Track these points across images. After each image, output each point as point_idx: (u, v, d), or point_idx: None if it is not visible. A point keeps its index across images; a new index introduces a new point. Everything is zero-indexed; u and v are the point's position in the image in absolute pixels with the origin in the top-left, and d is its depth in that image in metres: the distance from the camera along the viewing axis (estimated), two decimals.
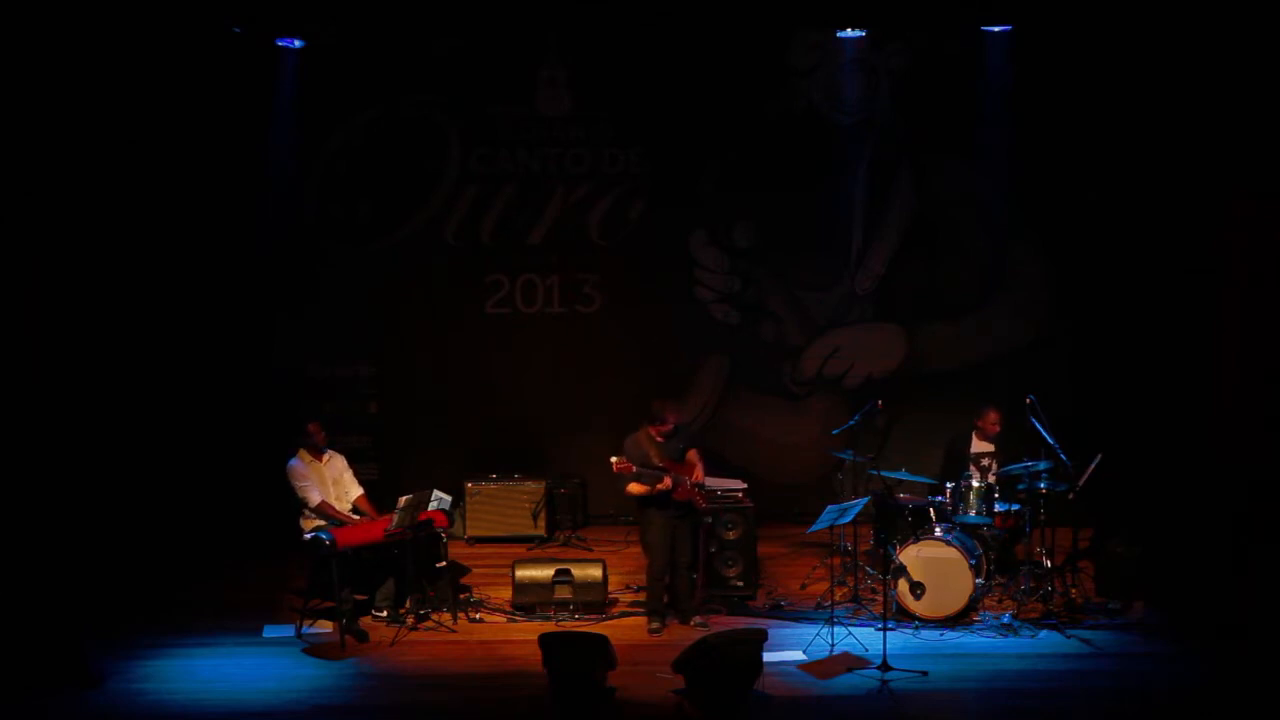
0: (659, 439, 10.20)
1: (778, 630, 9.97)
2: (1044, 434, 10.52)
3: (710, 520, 10.75)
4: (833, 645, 9.90)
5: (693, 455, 10.41)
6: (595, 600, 10.66)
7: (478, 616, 10.66)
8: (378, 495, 11.02)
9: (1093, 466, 10.62)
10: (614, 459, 10.05)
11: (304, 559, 10.38)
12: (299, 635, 10.24)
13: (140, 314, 12.29)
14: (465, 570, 11.29)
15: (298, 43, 12.23)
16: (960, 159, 13.08)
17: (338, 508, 10.57)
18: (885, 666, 9.44)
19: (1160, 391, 12.47)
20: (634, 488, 10.18)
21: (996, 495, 10.76)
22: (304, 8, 12.08)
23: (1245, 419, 11.76)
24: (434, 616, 10.49)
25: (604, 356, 13.26)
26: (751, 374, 13.44)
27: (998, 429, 11.21)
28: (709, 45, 12.56)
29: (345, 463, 10.86)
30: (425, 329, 13.21)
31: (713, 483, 10.76)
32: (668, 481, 10.13)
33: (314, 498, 10.43)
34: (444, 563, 10.69)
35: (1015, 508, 10.82)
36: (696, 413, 13.20)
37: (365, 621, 10.38)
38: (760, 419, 13.45)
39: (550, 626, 10.28)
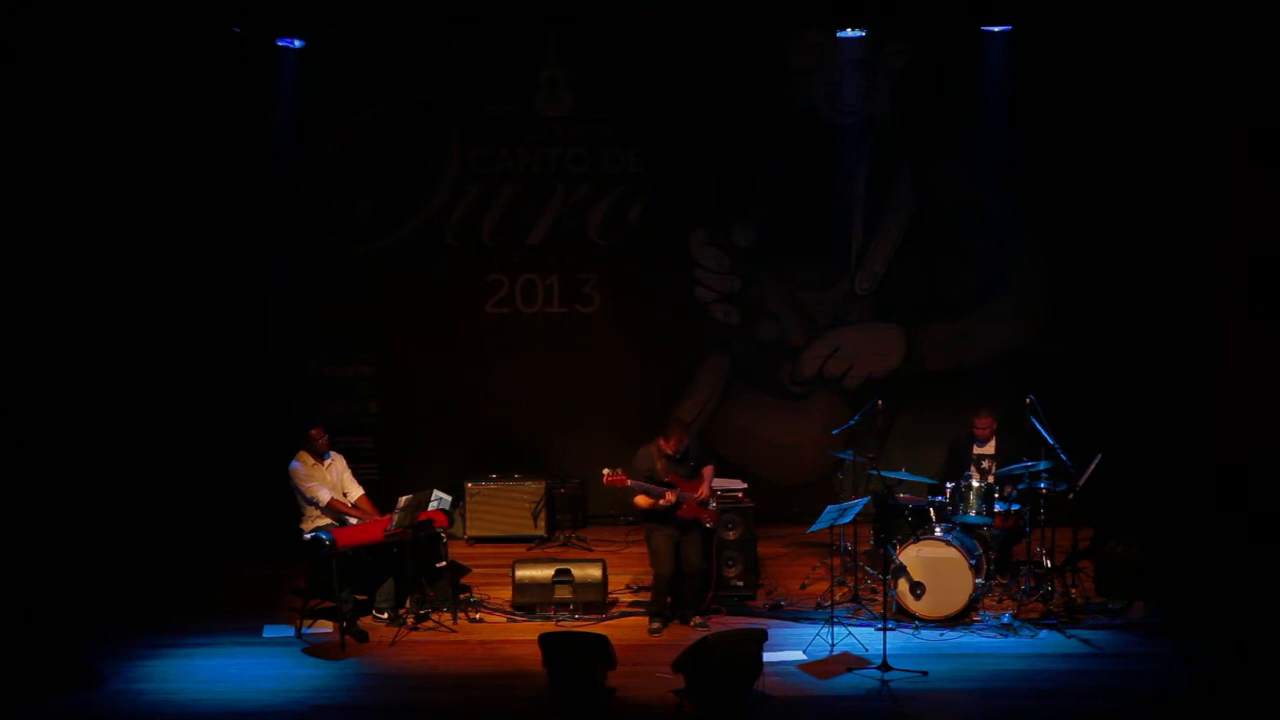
0: (669, 453, 10.22)
1: (778, 630, 9.98)
2: (1044, 434, 10.53)
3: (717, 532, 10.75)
4: (833, 645, 9.91)
5: (707, 471, 10.46)
6: (595, 600, 10.66)
7: (478, 616, 10.66)
8: (378, 495, 11.02)
9: (1093, 466, 10.62)
10: (605, 471, 10.09)
11: (304, 559, 10.38)
12: (299, 635, 10.24)
13: (141, 313, 12.31)
14: (465, 570, 11.29)
15: (298, 43, 12.24)
16: (960, 159, 13.08)
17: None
18: (885, 666, 9.45)
19: (1160, 392, 12.47)
20: (640, 500, 10.22)
21: (996, 495, 10.76)
22: (304, 8, 12.08)
23: (1245, 419, 11.76)
24: (434, 616, 10.49)
25: (604, 356, 13.26)
26: (751, 374, 13.44)
27: (987, 433, 11.21)
28: (709, 45, 12.57)
29: (345, 464, 10.87)
30: (425, 329, 13.20)
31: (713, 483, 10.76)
32: (670, 497, 10.16)
33: (324, 496, 10.44)
34: (444, 563, 10.69)
35: (1015, 508, 10.82)
36: (696, 413, 13.19)
37: (365, 621, 10.38)
38: (760, 419, 13.45)
39: (550, 626, 10.28)
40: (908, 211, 13.25)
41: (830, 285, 13.37)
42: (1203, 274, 12.29)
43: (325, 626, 10.31)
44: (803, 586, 11.32)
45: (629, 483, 10.12)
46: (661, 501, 10.17)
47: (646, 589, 10.69)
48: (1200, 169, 12.13)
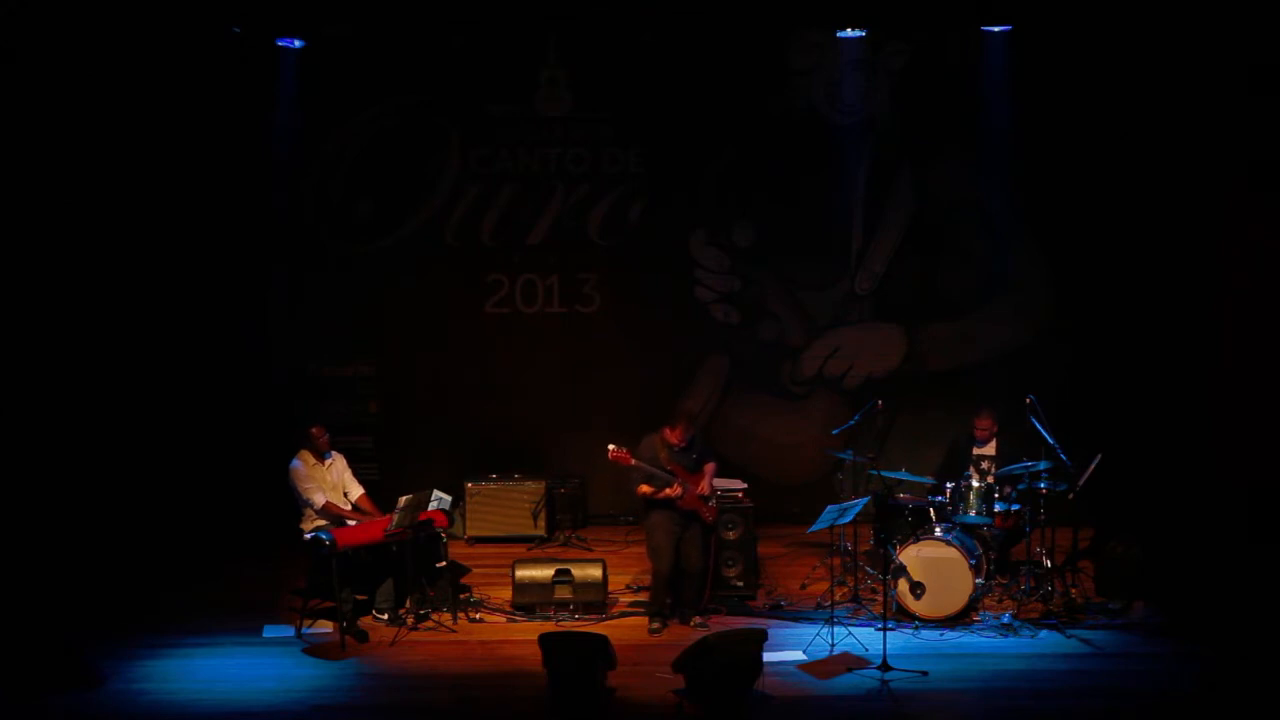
0: (674, 444, 10.22)
1: (778, 630, 9.98)
2: (1044, 434, 10.53)
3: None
4: (833, 645, 9.90)
5: (708, 468, 10.46)
6: (595, 600, 10.66)
7: (478, 616, 10.66)
8: (378, 495, 11.02)
9: (1093, 466, 10.62)
10: (611, 446, 10.10)
11: (304, 559, 10.38)
12: (299, 635, 10.23)
13: (141, 314, 12.31)
14: (465, 570, 11.28)
15: (298, 43, 12.24)
16: (960, 159, 13.08)
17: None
18: (885, 666, 9.45)
19: (1160, 392, 12.47)
20: (643, 489, 10.23)
21: (996, 495, 10.76)
22: (304, 8, 12.09)
23: (1245, 419, 11.76)
24: (434, 616, 10.49)
25: (604, 356, 13.26)
26: (751, 374, 13.43)
27: (987, 434, 11.19)
28: (709, 45, 12.56)
29: (345, 463, 10.87)
30: (425, 329, 13.21)
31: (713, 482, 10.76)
32: (677, 489, 10.17)
33: (319, 499, 10.44)
34: (444, 563, 10.69)
35: (1015, 508, 10.82)
36: (696, 413, 13.18)
37: (365, 621, 10.38)
38: (760, 419, 13.44)
39: (550, 626, 10.28)
40: (908, 211, 13.25)
41: (830, 285, 13.37)
42: (1203, 274, 12.29)
43: (325, 626, 10.31)
44: (803, 586, 11.32)
45: (633, 462, 10.12)
46: (666, 492, 10.17)
47: (646, 589, 10.69)
48: (1200, 168, 12.12)
